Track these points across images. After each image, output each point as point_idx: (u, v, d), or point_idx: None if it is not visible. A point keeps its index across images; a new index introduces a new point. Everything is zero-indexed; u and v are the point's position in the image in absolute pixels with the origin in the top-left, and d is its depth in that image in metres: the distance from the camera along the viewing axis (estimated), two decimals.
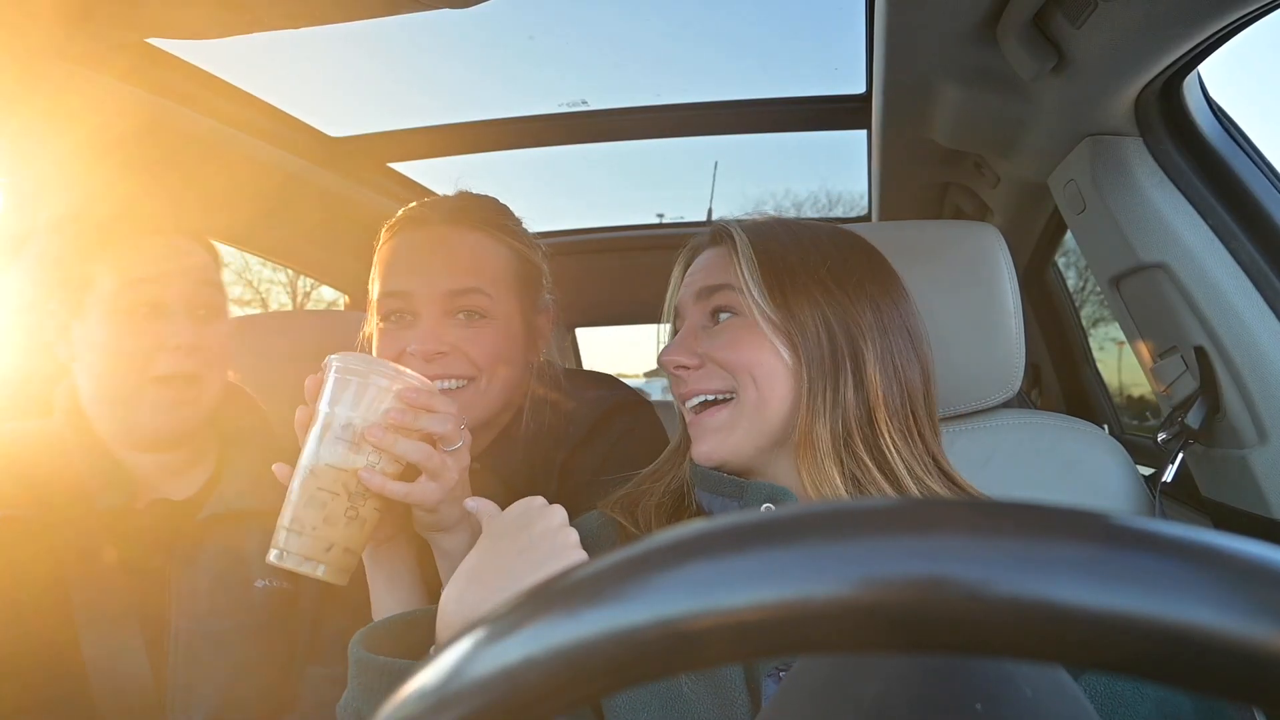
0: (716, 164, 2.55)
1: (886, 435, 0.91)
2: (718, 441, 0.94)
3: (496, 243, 1.23)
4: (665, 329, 1.08)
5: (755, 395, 0.93)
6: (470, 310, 1.17)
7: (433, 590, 1.07)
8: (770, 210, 1.17)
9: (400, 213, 1.25)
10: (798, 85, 1.86)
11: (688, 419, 0.99)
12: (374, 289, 1.22)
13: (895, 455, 0.91)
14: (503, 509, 1.20)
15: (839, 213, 3.31)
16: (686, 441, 1.02)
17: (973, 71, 1.29)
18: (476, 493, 1.24)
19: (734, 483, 0.94)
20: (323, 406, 0.94)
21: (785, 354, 0.93)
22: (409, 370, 0.96)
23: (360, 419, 0.92)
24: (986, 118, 1.40)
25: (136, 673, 1.09)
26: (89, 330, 1.12)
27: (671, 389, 1.02)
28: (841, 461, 0.90)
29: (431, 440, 0.96)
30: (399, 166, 2.11)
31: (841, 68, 1.70)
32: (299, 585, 1.19)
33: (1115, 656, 0.23)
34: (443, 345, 1.14)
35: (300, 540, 0.90)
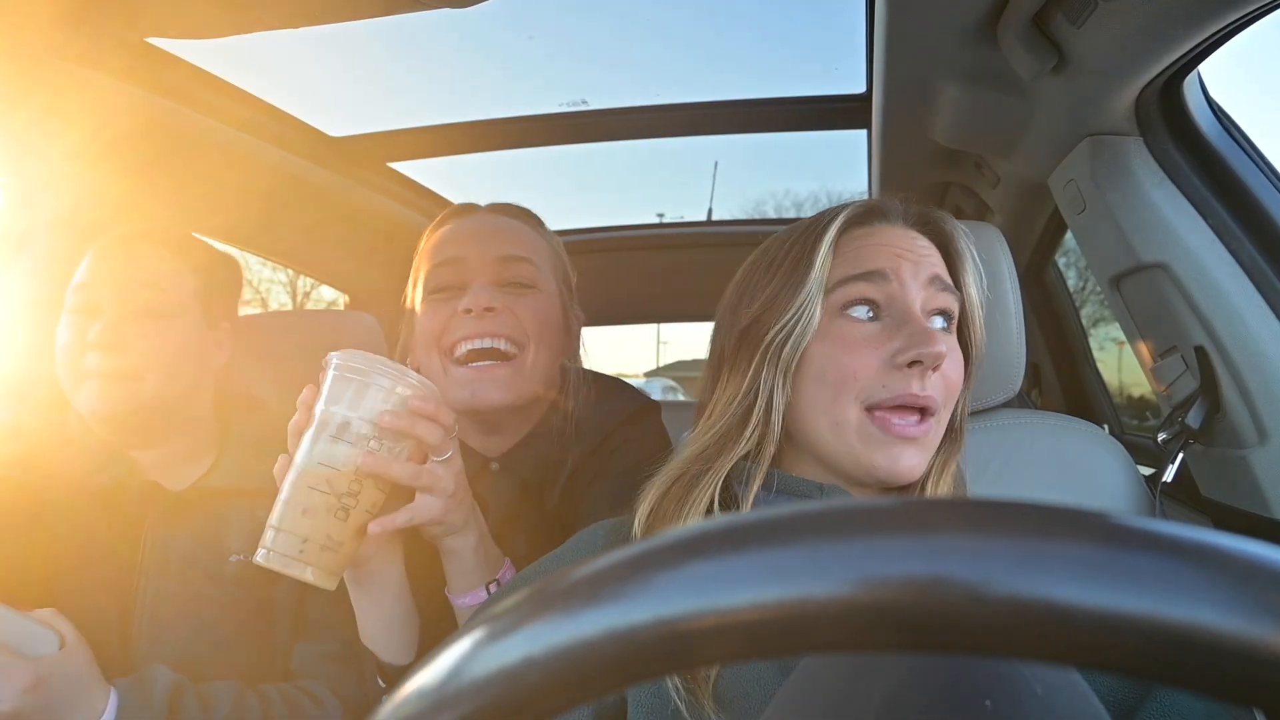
0: (716, 164, 2.55)
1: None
2: (923, 457, 0.86)
3: (537, 233, 1.29)
4: (672, 327, 1.00)
5: (946, 409, 0.89)
6: (519, 280, 1.20)
7: (419, 598, 1.07)
8: (770, 211, 1.13)
9: (444, 211, 1.31)
10: (798, 85, 1.86)
11: (876, 424, 0.84)
12: (422, 272, 1.24)
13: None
14: (517, 507, 1.20)
15: None
16: (768, 437, 0.87)
17: (973, 71, 1.29)
18: (494, 492, 1.24)
19: (814, 485, 0.87)
20: (320, 405, 0.93)
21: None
22: (411, 371, 0.95)
23: (358, 418, 0.91)
24: (986, 118, 1.40)
25: (107, 641, 1.13)
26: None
27: (888, 384, 0.84)
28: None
29: (421, 454, 0.95)
30: (399, 166, 2.11)
31: (841, 68, 1.70)
32: None
33: (1115, 657, 0.23)
34: (494, 302, 1.15)
35: (286, 538, 0.89)
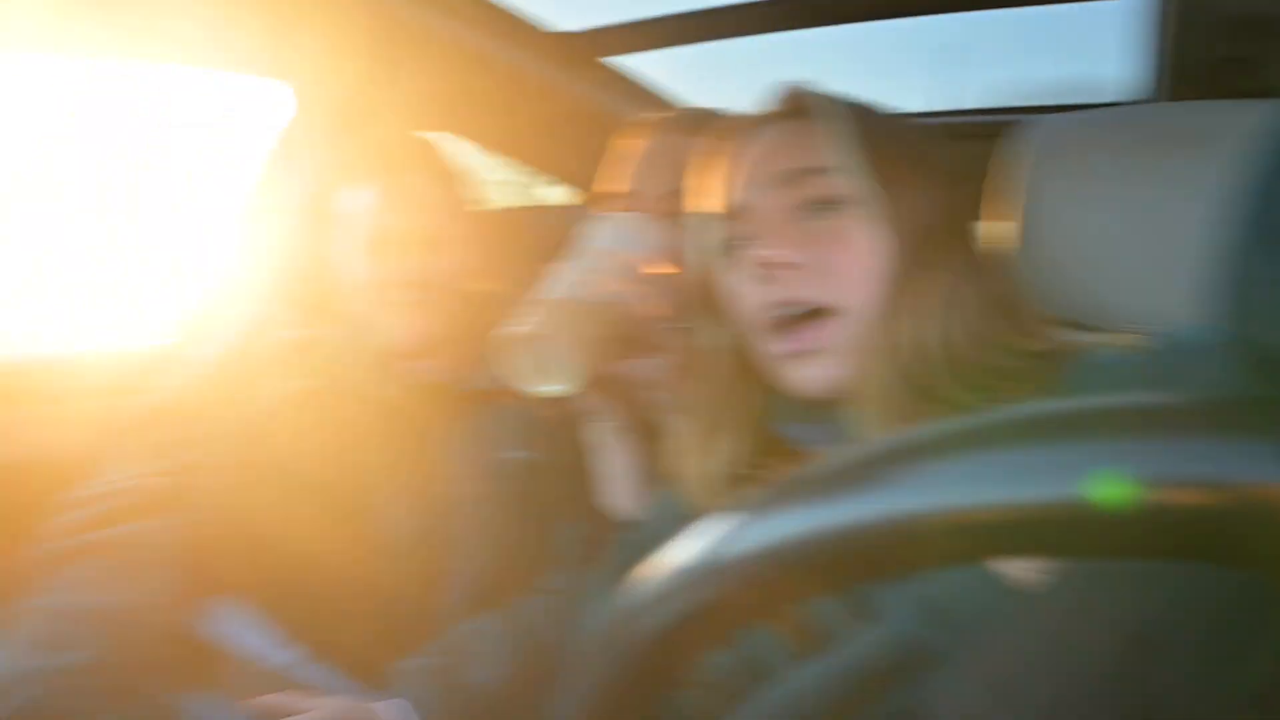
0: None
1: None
2: (826, 367, 0.78)
3: None
4: None
5: (862, 308, 0.77)
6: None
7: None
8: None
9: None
10: None
11: (773, 342, 0.81)
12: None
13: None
14: None
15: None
16: (755, 369, 0.86)
17: None
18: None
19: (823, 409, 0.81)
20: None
21: (890, 254, 0.77)
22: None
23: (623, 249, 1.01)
24: None
25: (409, 558, 1.19)
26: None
27: (751, 293, 0.82)
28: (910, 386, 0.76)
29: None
30: (615, 61, 2.09)
31: None
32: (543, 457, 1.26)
33: None
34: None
35: (549, 345, 0.91)
